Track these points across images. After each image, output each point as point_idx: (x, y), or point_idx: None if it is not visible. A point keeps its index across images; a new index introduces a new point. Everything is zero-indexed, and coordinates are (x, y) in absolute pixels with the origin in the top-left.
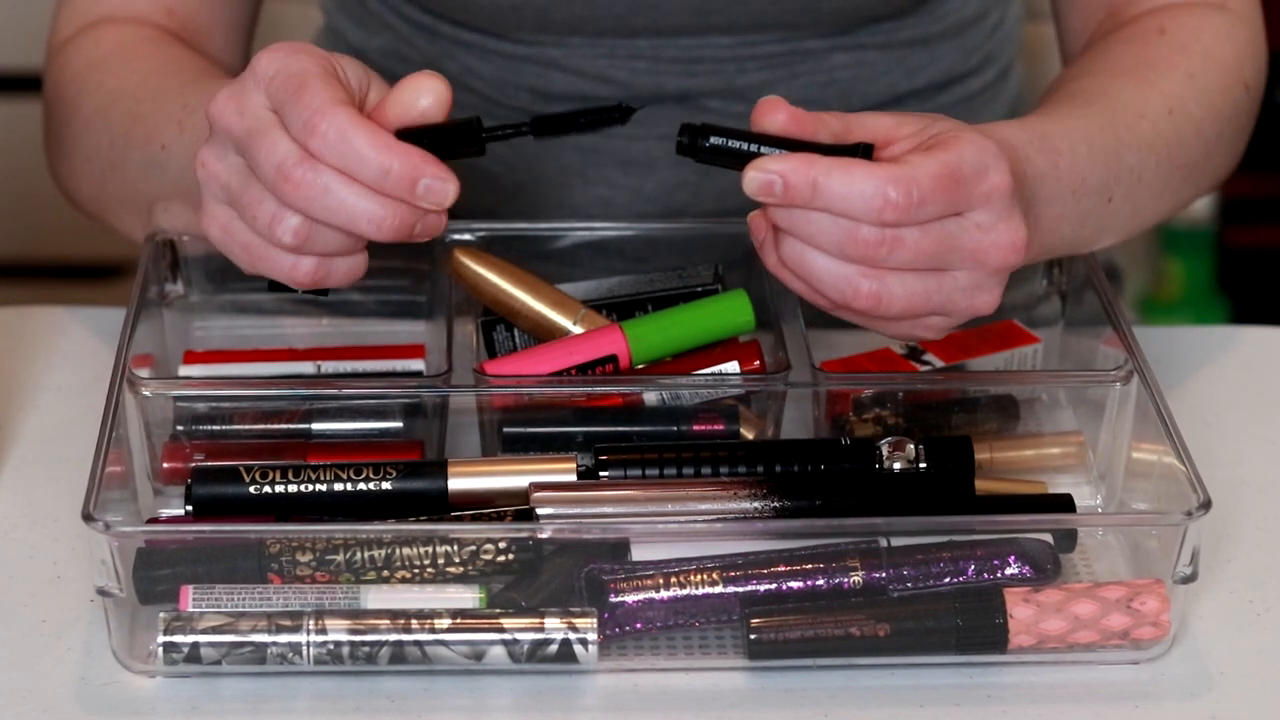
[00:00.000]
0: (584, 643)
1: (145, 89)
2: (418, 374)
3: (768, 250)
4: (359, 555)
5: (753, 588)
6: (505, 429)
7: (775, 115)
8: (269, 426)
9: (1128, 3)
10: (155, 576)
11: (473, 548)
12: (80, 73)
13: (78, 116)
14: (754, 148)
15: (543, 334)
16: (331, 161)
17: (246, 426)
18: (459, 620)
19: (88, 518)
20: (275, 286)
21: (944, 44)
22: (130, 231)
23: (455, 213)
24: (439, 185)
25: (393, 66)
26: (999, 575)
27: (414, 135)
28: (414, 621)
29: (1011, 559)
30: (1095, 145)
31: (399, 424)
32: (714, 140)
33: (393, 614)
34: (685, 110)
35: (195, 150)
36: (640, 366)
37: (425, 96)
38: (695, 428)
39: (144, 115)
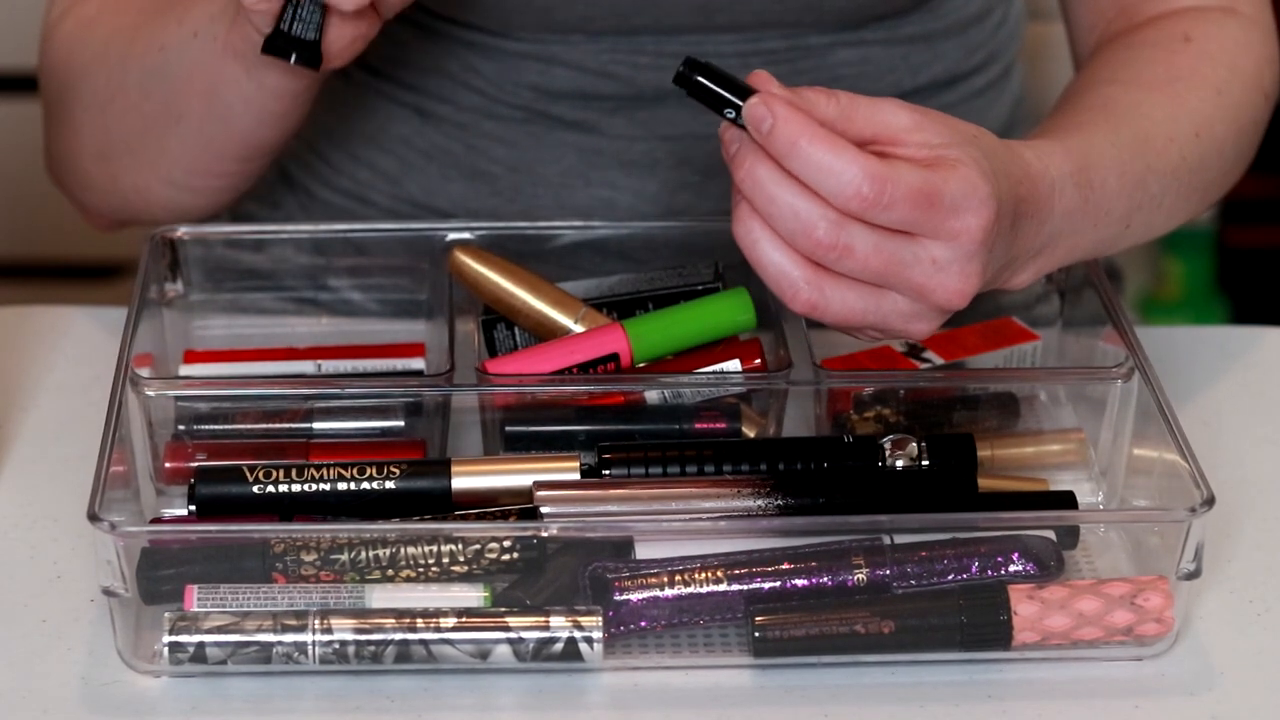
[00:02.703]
0: (589, 641)
1: (141, 17)
2: (418, 373)
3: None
4: (363, 554)
5: (757, 585)
6: (507, 428)
7: (768, 86)
8: (270, 426)
9: (1141, 2)
10: (159, 576)
11: (477, 546)
12: (71, 34)
13: (73, 72)
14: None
15: (544, 333)
16: None
17: (248, 426)
18: (464, 619)
19: (93, 518)
20: (272, 46)
21: (947, 41)
22: (136, 180)
23: (455, 212)
24: None
25: (394, 65)
26: (1003, 572)
27: None
28: (419, 620)
29: (1015, 556)
30: (1126, 176)
31: (400, 423)
32: (708, 80)
33: (398, 613)
34: (687, 108)
35: (193, 33)
36: (641, 365)
37: None
38: (697, 426)
39: (140, 35)
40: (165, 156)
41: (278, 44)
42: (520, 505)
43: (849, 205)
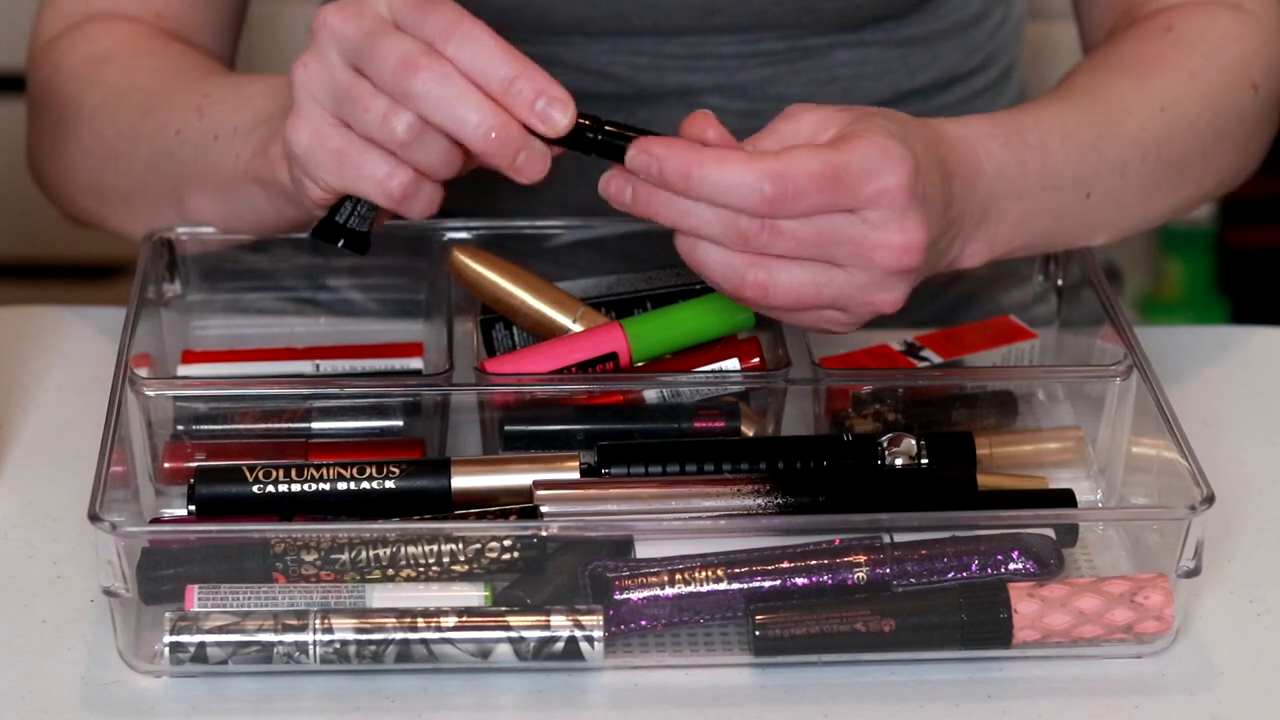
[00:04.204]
0: (590, 640)
1: (156, 83)
2: (416, 372)
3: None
4: (364, 554)
5: (757, 584)
6: (506, 427)
7: (705, 133)
8: (269, 426)
9: (1143, 1)
10: (160, 576)
11: (478, 546)
12: (78, 69)
13: (78, 114)
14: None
15: (542, 332)
16: (460, 62)
17: (246, 426)
18: (465, 618)
19: (94, 518)
20: (322, 232)
21: (946, 43)
22: (124, 226)
23: (454, 210)
24: (558, 107)
25: None
26: (1002, 570)
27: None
28: (420, 620)
29: (1015, 554)
30: (1070, 138)
31: (399, 423)
32: (595, 134)
33: (399, 612)
34: (686, 106)
35: (213, 135)
36: (640, 364)
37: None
38: (696, 425)
39: (155, 108)
40: (160, 219)
41: (327, 230)
42: (520, 505)
43: (760, 210)
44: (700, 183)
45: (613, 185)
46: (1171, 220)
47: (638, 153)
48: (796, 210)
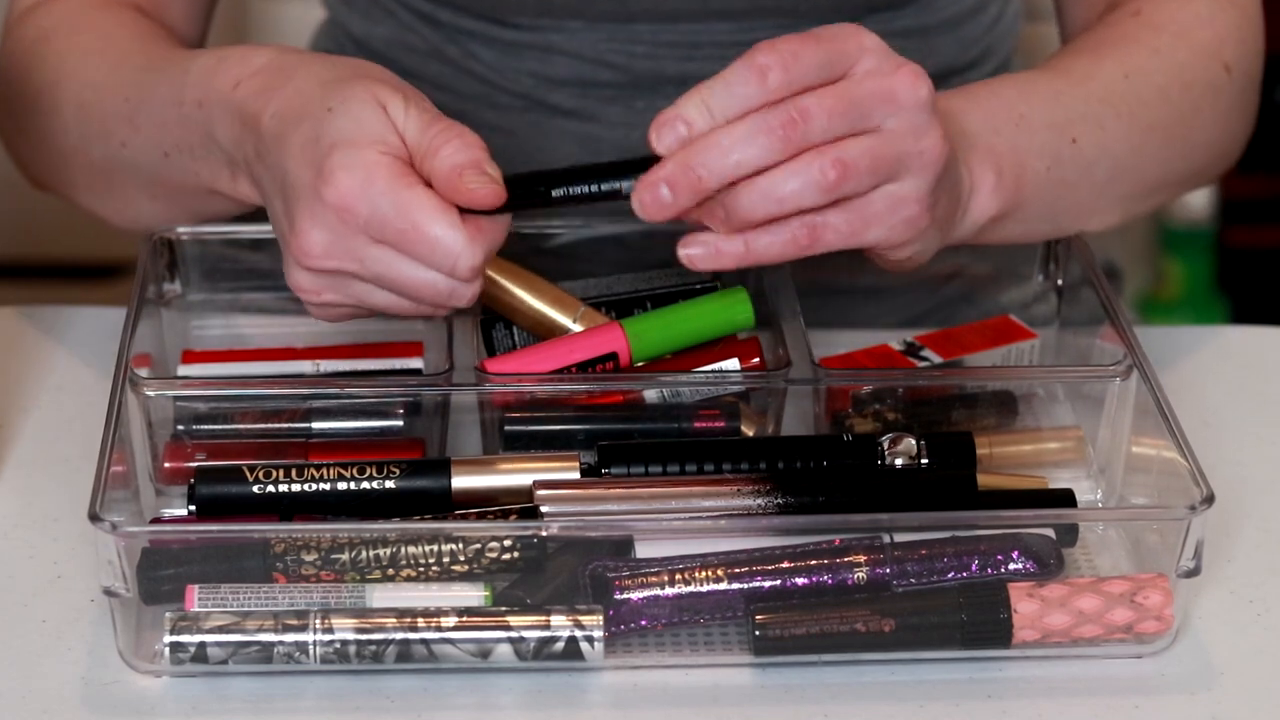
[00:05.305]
0: (590, 640)
1: (89, 69)
2: (417, 372)
3: (729, 249)
4: (364, 554)
5: (758, 584)
6: (506, 427)
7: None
8: (269, 426)
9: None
10: (160, 576)
11: (478, 546)
12: (29, 47)
13: (26, 92)
14: (594, 187)
15: (542, 332)
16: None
17: (246, 426)
18: (465, 618)
19: (94, 518)
20: None
21: (942, 36)
22: (96, 210)
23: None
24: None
25: (395, 55)
26: (1002, 570)
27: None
28: (420, 620)
29: (1015, 554)
30: (1025, 89)
31: (399, 422)
32: (556, 192)
33: (399, 612)
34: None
35: (162, 152)
36: (640, 364)
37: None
38: (696, 425)
39: (88, 103)
40: (130, 210)
41: None
42: (520, 504)
43: (769, 82)
44: (717, 108)
45: (646, 197)
46: (1170, 200)
47: (643, 193)
48: (799, 70)
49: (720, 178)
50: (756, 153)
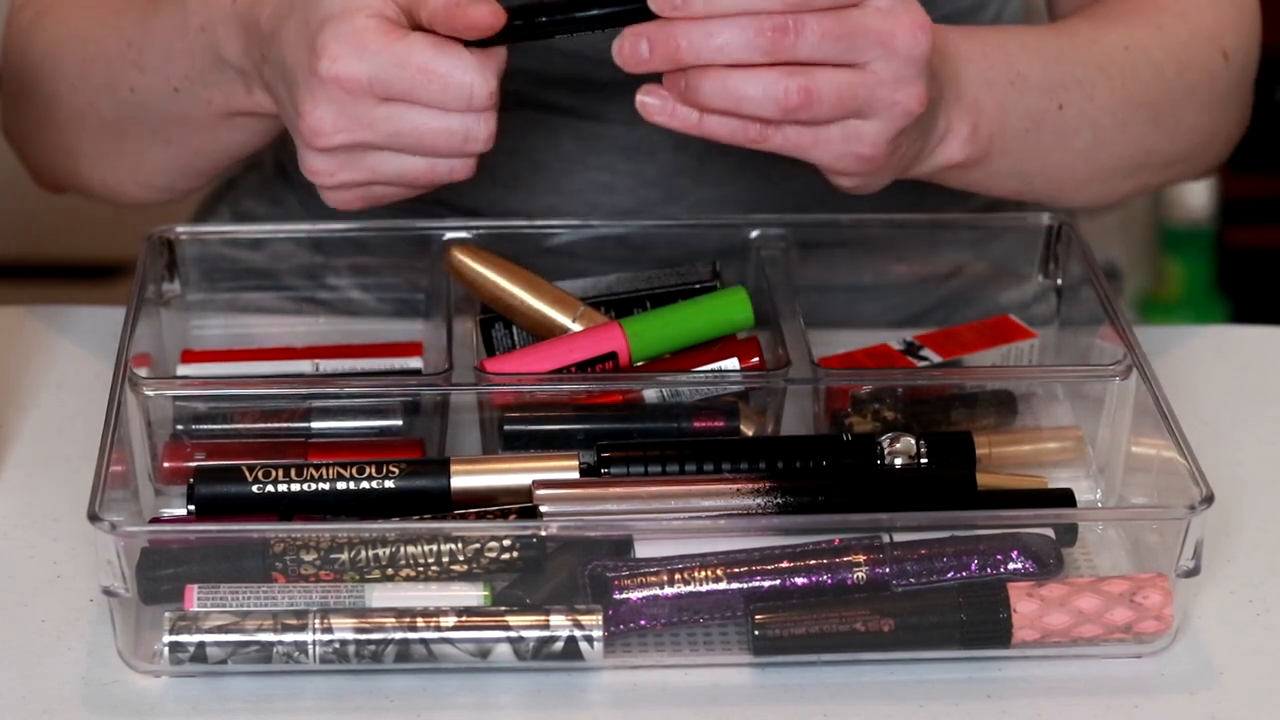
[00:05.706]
0: (589, 639)
1: (87, 28)
2: (416, 372)
3: (683, 114)
4: (363, 554)
5: (757, 584)
6: (506, 427)
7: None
8: (269, 426)
9: None
10: (159, 576)
11: (477, 545)
12: (29, 25)
13: (28, 65)
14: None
15: (542, 331)
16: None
17: (246, 426)
18: (464, 618)
19: (93, 518)
20: None
21: None
22: (107, 180)
23: (455, 201)
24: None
25: None
26: (1002, 570)
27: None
28: (419, 620)
29: (1014, 554)
30: (1030, 48)
31: (399, 422)
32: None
33: (398, 612)
34: None
35: (172, 87)
36: (640, 364)
37: None
38: (695, 425)
39: (92, 57)
40: (145, 166)
41: None
42: (519, 504)
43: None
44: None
45: (626, 46)
46: (1156, 185)
47: (629, 40)
48: None
49: (697, 58)
50: (739, 48)
